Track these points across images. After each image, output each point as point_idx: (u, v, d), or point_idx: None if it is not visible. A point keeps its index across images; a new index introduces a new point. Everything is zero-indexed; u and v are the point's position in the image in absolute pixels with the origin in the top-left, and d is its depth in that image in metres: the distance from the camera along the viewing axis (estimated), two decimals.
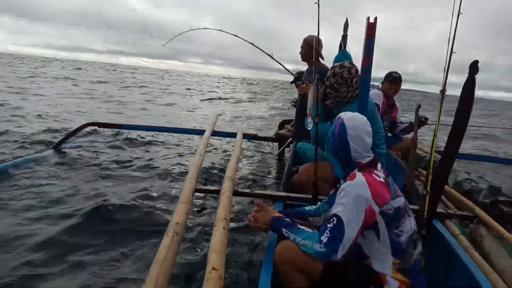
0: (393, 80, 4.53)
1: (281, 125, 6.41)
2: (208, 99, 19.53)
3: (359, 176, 1.70)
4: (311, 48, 3.78)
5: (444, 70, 2.30)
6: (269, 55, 5.29)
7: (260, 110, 15.47)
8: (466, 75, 2.22)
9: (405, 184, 3.30)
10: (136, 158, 5.29)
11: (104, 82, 25.09)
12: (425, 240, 2.29)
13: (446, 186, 3.35)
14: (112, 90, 18.98)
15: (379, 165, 1.83)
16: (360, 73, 2.71)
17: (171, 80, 38.88)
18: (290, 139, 5.06)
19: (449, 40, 2.27)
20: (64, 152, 5.29)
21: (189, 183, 2.71)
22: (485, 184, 2.94)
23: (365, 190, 1.63)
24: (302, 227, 1.75)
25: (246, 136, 5.72)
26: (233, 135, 5.52)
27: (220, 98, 20.57)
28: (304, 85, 3.26)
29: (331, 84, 2.81)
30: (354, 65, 2.83)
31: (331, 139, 1.87)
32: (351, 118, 1.85)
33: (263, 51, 5.15)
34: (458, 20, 2.20)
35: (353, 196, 1.62)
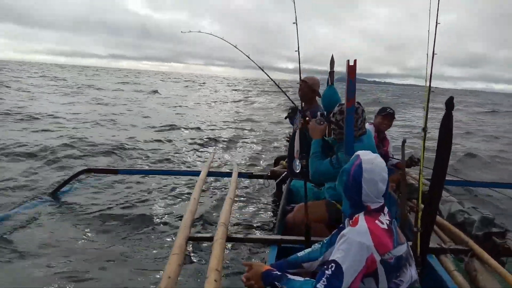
0: (386, 115, 4.61)
1: (277, 162, 6.42)
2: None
3: (362, 223, 1.68)
4: (310, 90, 3.87)
5: (424, 109, 2.39)
6: (247, 56, 5.29)
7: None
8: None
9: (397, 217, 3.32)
10: (130, 205, 5.27)
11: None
12: (420, 277, 2.29)
13: (440, 219, 3.38)
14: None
15: (385, 210, 1.83)
16: (344, 114, 2.79)
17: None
18: (283, 175, 5.09)
19: (426, 66, 2.36)
20: (58, 200, 5.29)
21: (182, 232, 2.73)
22: (478, 215, 2.96)
23: (367, 238, 1.61)
24: (293, 277, 1.75)
25: (242, 175, 5.76)
26: (229, 174, 5.55)
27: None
28: (307, 118, 3.17)
29: (337, 121, 2.87)
30: (361, 105, 2.89)
31: (345, 177, 1.84)
32: (369, 161, 1.79)
33: (243, 52, 5.11)
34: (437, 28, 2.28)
35: (355, 244, 1.60)
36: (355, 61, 2.68)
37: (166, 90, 34.44)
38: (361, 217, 1.72)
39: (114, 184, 6.19)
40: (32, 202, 5.03)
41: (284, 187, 4.47)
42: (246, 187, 6.28)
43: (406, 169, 4.90)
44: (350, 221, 1.76)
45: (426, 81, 2.31)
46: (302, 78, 4.06)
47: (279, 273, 1.80)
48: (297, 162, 2.66)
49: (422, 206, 2.43)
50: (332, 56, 5.09)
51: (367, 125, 4.75)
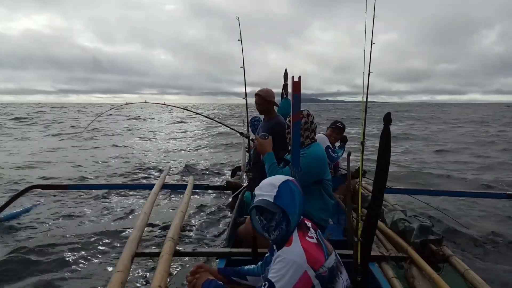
0: (335, 128, 4.81)
1: (234, 173, 6.44)
2: None
3: (296, 242, 1.71)
4: (266, 101, 3.91)
5: (362, 124, 2.50)
6: (209, 117, 5.39)
7: None
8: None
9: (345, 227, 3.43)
10: (78, 222, 5.09)
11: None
12: (362, 285, 2.37)
13: (384, 227, 3.53)
14: None
15: (309, 224, 1.88)
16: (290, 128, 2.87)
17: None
18: (241, 187, 5.11)
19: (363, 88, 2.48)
20: (3, 220, 4.99)
21: (128, 248, 2.66)
22: (417, 223, 3.11)
23: (301, 257, 1.64)
24: None
25: (197, 187, 5.71)
26: (183, 186, 5.48)
27: None
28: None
29: (289, 126, 2.94)
30: (311, 114, 3.01)
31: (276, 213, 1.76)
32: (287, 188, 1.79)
33: (206, 117, 5.14)
34: (372, 48, 2.41)
35: (289, 263, 1.63)
36: (299, 77, 2.76)
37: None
38: (294, 236, 1.75)
39: (63, 200, 5.94)
40: None
41: None
42: (202, 199, 6.23)
43: (356, 180, 5.09)
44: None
45: (362, 97, 2.43)
46: (256, 92, 4.12)
47: (220, 284, 1.81)
48: (244, 175, 2.70)
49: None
50: (286, 69, 5.20)
51: (320, 135, 4.93)
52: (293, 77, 2.79)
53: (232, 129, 3.19)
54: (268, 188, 1.77)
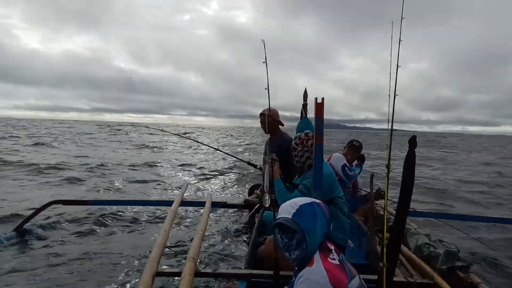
0: (350, 147, 4.79)
1: (251, 190, 6.40)
2: None
3: (318, 262, 1.70)
4: (272, 120, 3.94)
5: (387, 147, 2.48)
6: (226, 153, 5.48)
7: None
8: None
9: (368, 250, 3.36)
10: (98, 238, 5.14)
11: None
12: None
13: (408, 252, 3.44)
14: None
15: (331, 246, 1.86)
16: (314, 150, 2.86)
17: None
18: (257, 206, 5.07)
19: (388, 116, 2.47)
20: (26, 234, 5.07)
21: (149, 267, 2.66)
22: (442, 249, 3.03)
23: (324, 277, 1.63)
24: None
25: (215, 205, 5.70)
26: (202, 204, 5.48)
27: None
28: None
29: (295, 148, 3.01)
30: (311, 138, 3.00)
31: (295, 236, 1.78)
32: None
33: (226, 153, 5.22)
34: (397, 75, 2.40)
35: (312, 284, 1.62)
36: (322, 99, 2.76)
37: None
38: (316, 257, 1.73)
39: (84, 215, 6.03)
40: None
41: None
42: (220, 217, 6.22)
43: (377, 202, 5.01)
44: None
45: (388, 122, 2.41)
46: (261, 111, 4.15)
47: None
48: (267, 196, 2.69)
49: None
50: (305, 89, 5.24)
51: (337, 154, 4.90)
52: (316, 98, 2.79)
53: (249, 163, 3.21)
54: (289, 207, 1.80)
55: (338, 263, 1.74)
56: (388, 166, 2.47)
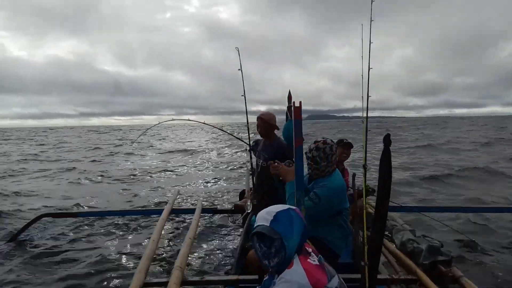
0: (345, 145, 4.81)
1: (242, 195, 6.42)
2: None
3: (297, 264, 1.73)
4: (267, 124, 3.98)
5: (363, 148, 2.53)
6: (220, 129, 5.53)
7: None
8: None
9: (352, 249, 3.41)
10: (87, 249, 5.14)
11: None
12: None
13: (393, 248, 3.49)
14: None
15: (309, 249, 1.90)
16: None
17: None
18: (247, 211, 5.09)
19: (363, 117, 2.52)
20: (16, 247, 5.12)
21: (137, 278, 2.68)
22: (425, 244, 3.08)
23: (303, 277, 1.66)
24: None
25: (206, 211, 5.72)
26: (192, 211, 5.49)
27: None
28: (276, 164, 3.21)
29: (313, 157, 2.97)
30: (334, 143, 3.03)
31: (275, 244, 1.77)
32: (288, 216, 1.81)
33: (214, 126, 5.32)
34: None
35: (291, 285, 1.64)
36: (300, 102, 2.80)
37: None
38: (295, 259, 1.77)
39: (73, 227, 6.01)
40: None
41: None
42: (210, 223, 6.22)
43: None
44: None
45: (363, 122, 2.46)
46: (258, 115, 4.19)
47: None
48: (248, 202, 2.72)
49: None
50: (290, 91, 5.30)
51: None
52: (294, 102, 2.82)
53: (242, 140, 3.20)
54: (265, 215, 1.81)
55: (317, 263, 1.78)
56: (364, 166, 2.53)
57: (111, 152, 22.74)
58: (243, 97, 2.86)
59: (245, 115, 4.05)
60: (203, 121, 3.38)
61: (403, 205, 5.36)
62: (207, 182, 11.29)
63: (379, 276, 2.87)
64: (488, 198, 8.09)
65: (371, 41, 2.41)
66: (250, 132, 4.57)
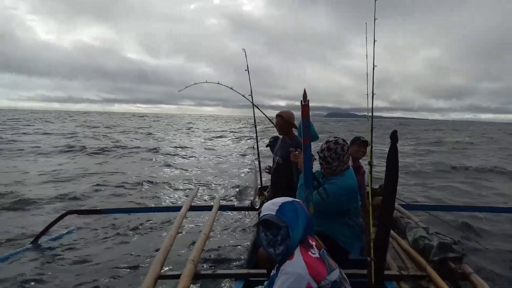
0: (362, 142, 4.79)
1: (260, 192, 6.52)
2: None
3: (298, 256, 1.79)
4: (286, 122, 4.04)
5: (369, 145, 2.56)
6: (244, 96, 5.46)
7: None
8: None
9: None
10: (110, 245, 5.35)
11: None
12: None
13: (405, 245, 3.49)
14: None
15: (312, 242, 1.96)
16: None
17: None
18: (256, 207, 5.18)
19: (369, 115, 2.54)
20: (43, 246, 5.30)
21: (152, 270, 2.80)
22: (436, 241, 3.06)
23: (303, 269, 1.72)
24: None
25: (223, 208, 5.83)
26: (210, 208, 5.61)
27: None
28: (297, 152, 3.25)
29: (325, 157, 3.01)
30: (346, 143, 3.06)
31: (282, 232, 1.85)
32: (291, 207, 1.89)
33: (239, 93, 5.35)
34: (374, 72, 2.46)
35: (292, 276, 1.71)
36: (308, 100, 2.84)
37: None
38: (296, 251, 1.83)
39: (97, 224, 6.25)
40: (16, 251, 5.02)
41: None
42: (227, 220, 6.35)
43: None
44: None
45: (368, 120, 2.49)
46: (278, 113, 4.25)
47: None
48: (257, 199, 2.78)
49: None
50: (304, 90, 5.32)
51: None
52: (301, 101, 2.86)
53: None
54: (271, 205, 1.88)
55: (318, 256, 1.83)
56: (370, 163, 2.56)
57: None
58: (250, 96, 2.92)
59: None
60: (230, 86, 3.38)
61: (417, 203, 5.31)
62: None
63: (388, 272, 2.89)
64: None
65: (375, 40, 2.44)
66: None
